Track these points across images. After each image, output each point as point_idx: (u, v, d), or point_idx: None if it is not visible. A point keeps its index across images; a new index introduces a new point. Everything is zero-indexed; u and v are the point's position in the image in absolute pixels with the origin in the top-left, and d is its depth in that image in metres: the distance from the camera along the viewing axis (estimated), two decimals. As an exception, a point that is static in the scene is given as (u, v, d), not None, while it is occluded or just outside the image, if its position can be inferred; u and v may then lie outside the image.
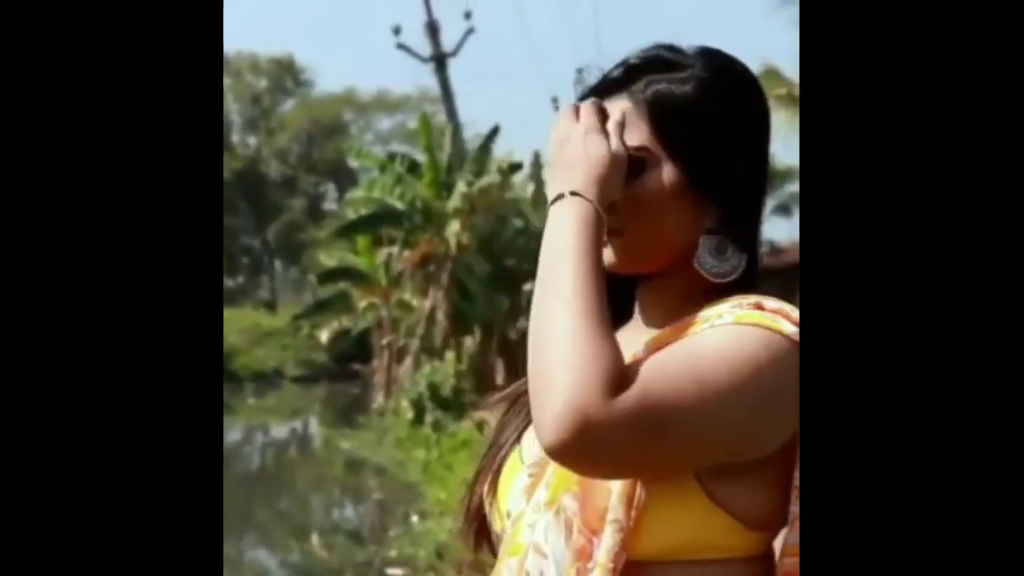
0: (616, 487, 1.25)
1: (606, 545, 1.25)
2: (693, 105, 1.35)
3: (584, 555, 1.26)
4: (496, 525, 1.39)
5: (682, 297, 1.36)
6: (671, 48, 1.39)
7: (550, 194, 1.33)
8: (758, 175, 1.40)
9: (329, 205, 47.67)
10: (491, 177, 19.30)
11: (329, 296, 24.82)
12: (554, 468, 1.29)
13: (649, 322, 1.40)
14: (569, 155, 1.32)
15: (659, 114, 1.35)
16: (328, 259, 25.53)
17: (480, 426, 14.79)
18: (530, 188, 22.58)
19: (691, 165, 1.35)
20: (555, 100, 38.26)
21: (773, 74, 21.37)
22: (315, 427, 23.94)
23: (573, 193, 1.29)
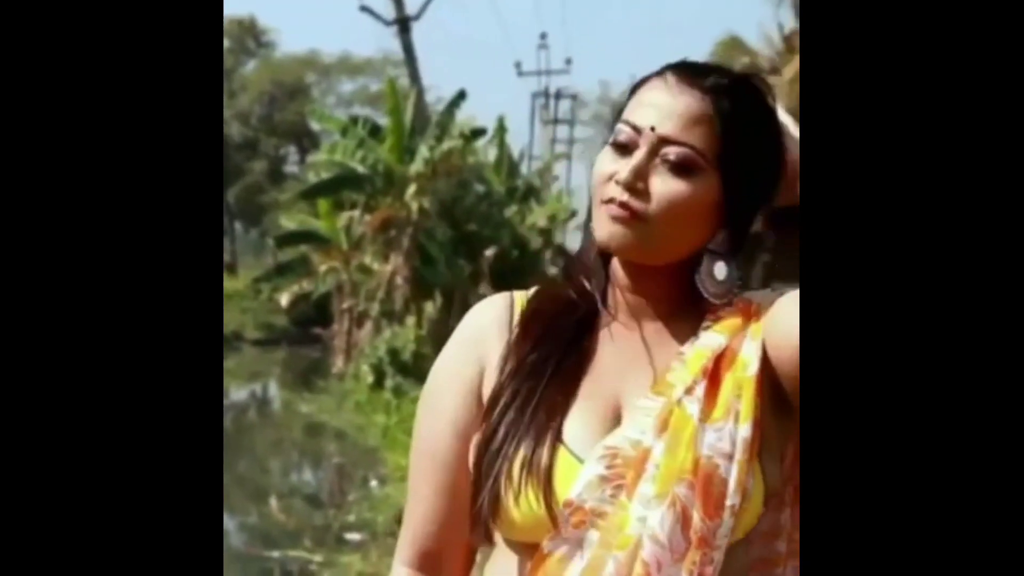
0: (733, 474, 1.35)
1: (724, 529, 1.34)
2: (751, 125, 1.40)
3: (706, 542, 1.33)
4: (524, 513, 1.37)
5: (671, 294, 1.46)
6: (724, 69, 1.44)
7: None
8: (761, 208, 1.45)
9: (290, 168, 47.36)
10: (453, 142, 19.20)
11: (289, 259, 24.66)
12: (660, 462, 1.35)
13: (645, 314, 1.46)
14: None
15: (725, 124, 1.38)
16: (289, 222, 25.35)
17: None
18: (492, 153, 22.51)
19: (729, 182, 1.39)
20: (518, 65, 38.26)
21: (737, 43, 21.41)
22: (275, 390, 23.81)
23: None
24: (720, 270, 1.41)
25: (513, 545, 1.42)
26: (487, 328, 1.47)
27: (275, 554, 8.08)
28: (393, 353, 17.88)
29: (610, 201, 1.39)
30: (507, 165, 22.69)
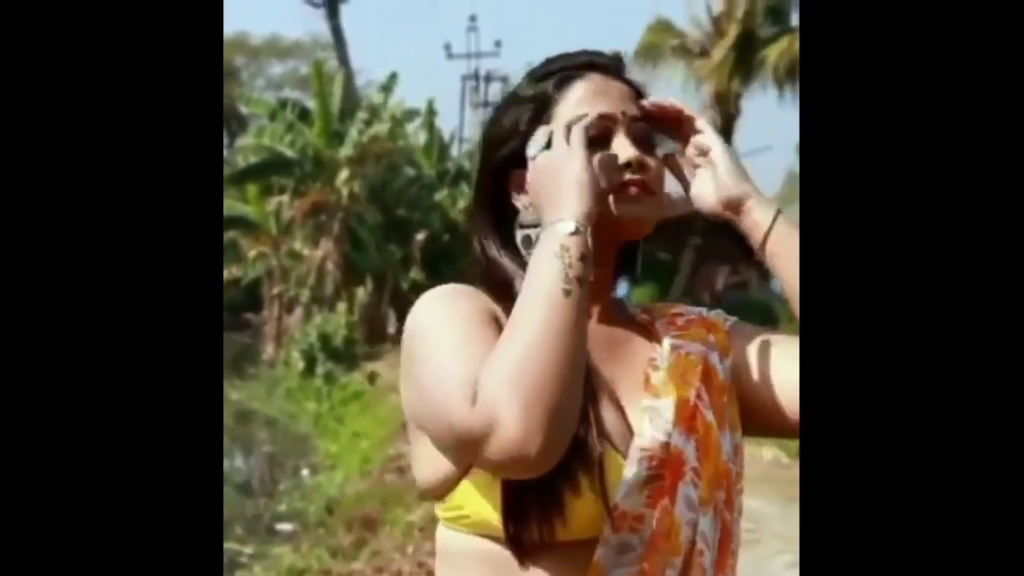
0: (736, 477, 1.44)
1: (737, 528, 1.44)
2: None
3: (731, 541, 1.42)
4: (580, 511, 1.32)
5: (608, 286, 1.51)
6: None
7: (546, 211, 1.36)
8: None
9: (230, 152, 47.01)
10: (383, 125, 19.13)
11: (218, 245, 24.46)
12: (697, 467, 1.38)
13: (597, 302, 1.48)
14: (560, 186, 1.36)
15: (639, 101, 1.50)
16: (217, 207, 25.13)
17: (371, 378, 14.72)
18: (423, 137, 22.45)
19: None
20: (448, 47, 38.16)
21: (666, 26, 21.52)
22: (204, 378, 23.66)
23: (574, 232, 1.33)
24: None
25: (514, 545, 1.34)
26: (493, 310, 1.40)
27: (204, 546, 7.95)
28: (324, 339, 17.80)
29: (626, 185, 1.43)
30: (438, 149, 22.67)
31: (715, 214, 1.48)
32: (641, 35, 21.01)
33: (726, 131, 20.52)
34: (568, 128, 1.39)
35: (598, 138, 1.42)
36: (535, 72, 1.50)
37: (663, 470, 1.36)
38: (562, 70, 1.47)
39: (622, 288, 1.53)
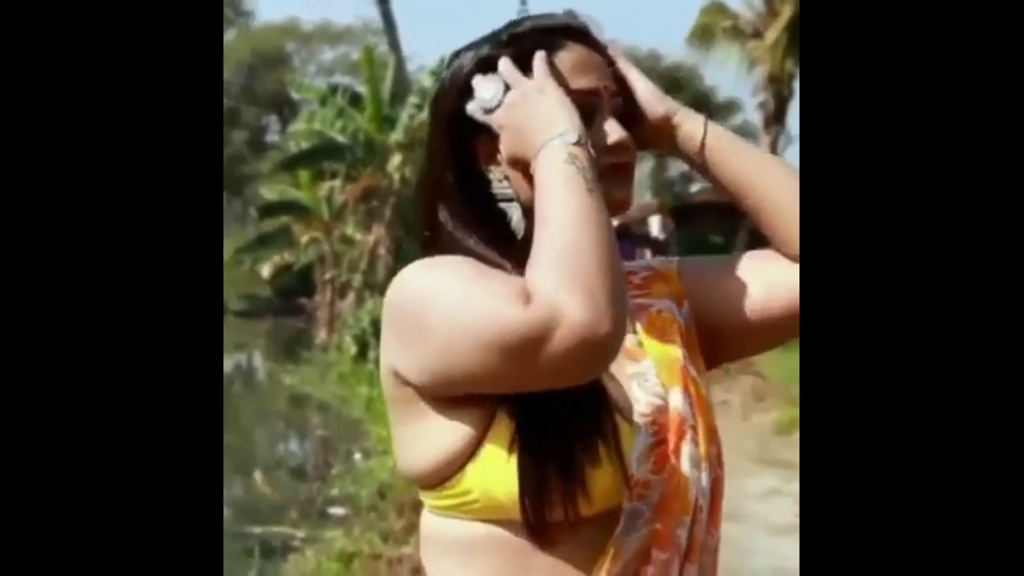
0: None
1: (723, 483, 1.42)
2: None
3: (720, 496, 1.41)
4: (603, 484, 1.30)
5: None
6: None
7: (536, 137, 1.30)
8: None
9: (272, 137, 47.15)
10: (435, 110, 19.02)
11: (271, 230, 24.56)
12: (695, 423, 1.37)
13: None
14: (545, 108, 1.32)
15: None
16: (269, 193, 25.24)
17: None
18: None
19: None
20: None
21: (720, 7, 21.34)
22: (259, 361, 23.79)
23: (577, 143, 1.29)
24: None
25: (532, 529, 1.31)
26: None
27: (257, 530, 8.03)
28: (376, 324, 17.79)
29: (616, 168, 1.39)
30: (488, 132, 22.51)
31: (654, 143, 1.47)
32: (695, 16, 20.88)
33: (779, 113, 20.34)
34: (516, 62, 1.36)
35: (581, 116, 1.34)
36: (500, 35, 1.41)
37: (666, 433, 1.34)
38: (535, 34, 1.40)
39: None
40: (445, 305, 1.25)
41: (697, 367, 1.45)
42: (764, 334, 1.49)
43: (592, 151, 1.29)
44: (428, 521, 1.39)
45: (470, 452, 1.29)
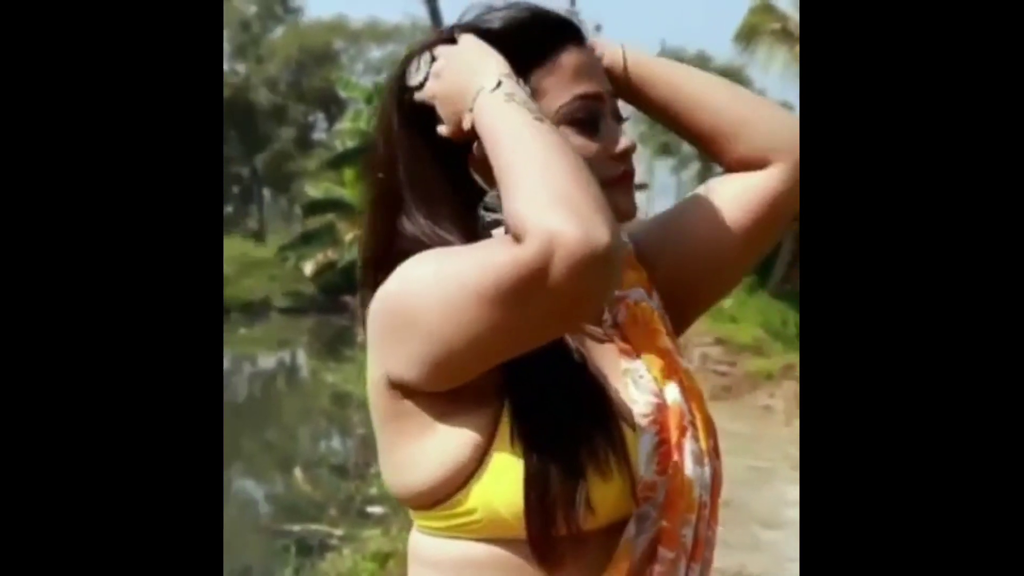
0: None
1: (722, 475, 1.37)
2: None
3: (720, 487, 1.36)
4: (611, 494, 1.25)
5: None
6: None
7: (469, 87, 1.25)
8: None
9: (319, 134, 47.49)
10: (480, 109, 19.07)
11: (315, 227, 24.68)
12: (693, 419, 1.32)
13: None
14: (468, 61, 1.28)
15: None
16: (315, 190, 25.38)
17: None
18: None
19: None
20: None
21: (768, 7, 21.19)
22: (302, 358, 23.91)
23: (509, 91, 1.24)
24: None
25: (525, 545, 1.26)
26: None
27: (296, 527, 8.03)
28: (420, 322, 17.83)
29: (626, 174, 1.35)
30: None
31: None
32: (742, 16, 20.75)
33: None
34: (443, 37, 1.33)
35: (587, 121, 1.32)
36: (491, 27, 1.33)
37: (667, 432, 1.29)
38: (534, 34, 1.33)
39: None
40: (429, 289, 1.20)
41: (681, 356, 1.41)
42: (750, 249, 1.45)
43: (527, 94, 1.24)
44: (420, 543, 1.33)
45: (474, 467, 1.24)
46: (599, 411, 1.26)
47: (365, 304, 1.31)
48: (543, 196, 1.13)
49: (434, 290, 1.19)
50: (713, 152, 1.44)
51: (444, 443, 1.24)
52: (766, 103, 1.42)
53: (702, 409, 1.36)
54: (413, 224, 1.32)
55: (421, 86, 1.30)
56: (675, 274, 1.45)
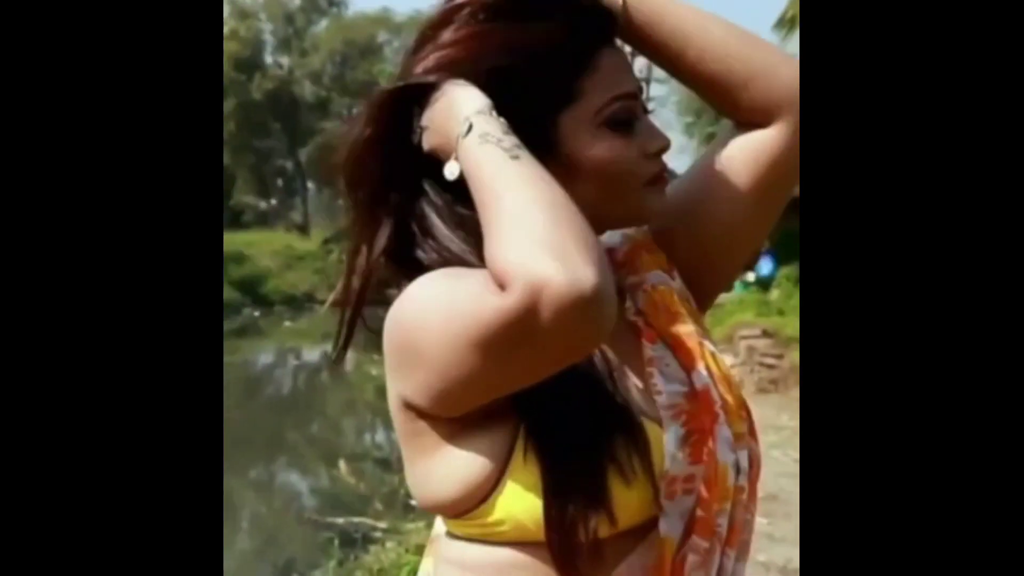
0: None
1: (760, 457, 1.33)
2: None
3: (759, 471, 1.32)
4: (636, 496, 1.22)
5: None
6: None
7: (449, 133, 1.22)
8: None
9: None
10: (524, 101, 19.08)
11: (360, 220, 24.75)
12: (724, 404, 1.28)
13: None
14: (443, 108, 1.24)
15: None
16: (360, 183, 25.41)
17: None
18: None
19: None
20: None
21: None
22: (347, 352, 24.04)
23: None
24: None
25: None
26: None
27: (340, 520, 8.04)
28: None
29: (662, 173, 1.32)
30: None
31: None
32: (784, 5, 20.61)
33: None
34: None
35: (625, 121, 1.28)
36: (532, 35, 1.26)
37: (697, 420, 1.26)
38: (571, 40, 1.27)
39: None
40: (433, 322, 1.17)
41: (710, 340, 1.37)
42: (762, 209, 1.39)
43: (503, 127, 1.19)
44: (448, 545, 1.31)
45: (494, 483, 1.21)
46: (617, 414, 1.22)
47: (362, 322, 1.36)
48: (524, 241, 1.08)
49: (437, 323, 1.16)
50: (720, 102, 1.37)
51: (461, 462, 1.22)
52: (777, 53, 1.34)
53: (733, 392, 1.32)
54: (428, 248, 1.29)
55: (418, 143, 1.27)
56: (692, 247, 1.40)
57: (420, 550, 6.60)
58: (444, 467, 1.23)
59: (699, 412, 1.26)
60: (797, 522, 1.40)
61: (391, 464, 11.58)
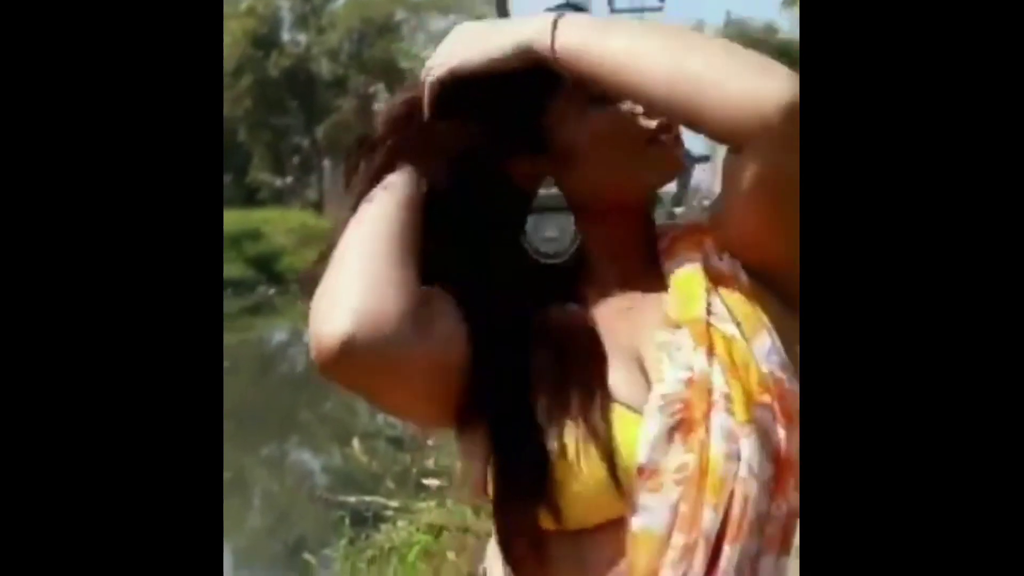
0: (796, 385, 1.26)
1: (796, 446, 1.25)
2: None
3: (791, 464, 1.25)
4: (588, 486, 1.21)
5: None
6: None
7: None
8: None
9: (379, 105, 47.57)
10: (541, 81, 19.06)
11: (375, 198, 24.78)
12: (728, 391, 1.24)
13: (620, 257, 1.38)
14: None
15: None
16: (374, 162, 25.44)
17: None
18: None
19: None
20: (611, 1, 37.85)
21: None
22: (361, 329, 24.10)
23: None
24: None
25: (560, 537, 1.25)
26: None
27: (351, 499, 8.07)
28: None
29: (659, 129, 1.32)
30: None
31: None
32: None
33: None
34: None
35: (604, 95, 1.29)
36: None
37: (693, 409, 1.24)
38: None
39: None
40: None
41: (750, 320, 1.30)
42: (773, 228, 1.29)
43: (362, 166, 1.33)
44: None
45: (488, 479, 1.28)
46: (572, 407, 1.23)
47: None
48: (318, 296, 1.24)
49: None
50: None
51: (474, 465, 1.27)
52: (738, 78, 1.21)
53: (742, 377, 1.26)
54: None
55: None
56: (742, 258, 1.36)
57: (431, 529, 6.62)
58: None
59: (696, 400, 1.24)
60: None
61: (403, 443, 11.59)
